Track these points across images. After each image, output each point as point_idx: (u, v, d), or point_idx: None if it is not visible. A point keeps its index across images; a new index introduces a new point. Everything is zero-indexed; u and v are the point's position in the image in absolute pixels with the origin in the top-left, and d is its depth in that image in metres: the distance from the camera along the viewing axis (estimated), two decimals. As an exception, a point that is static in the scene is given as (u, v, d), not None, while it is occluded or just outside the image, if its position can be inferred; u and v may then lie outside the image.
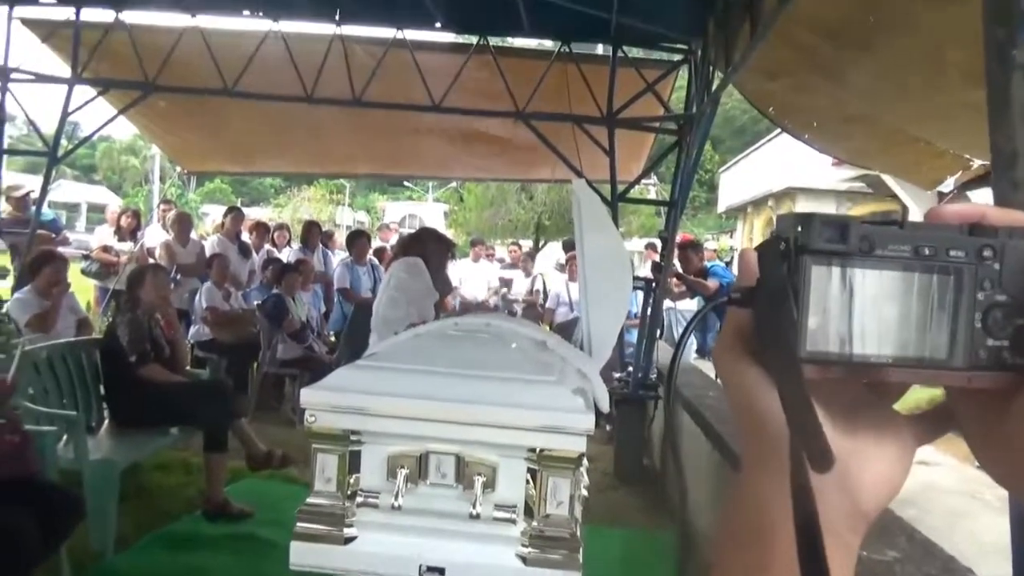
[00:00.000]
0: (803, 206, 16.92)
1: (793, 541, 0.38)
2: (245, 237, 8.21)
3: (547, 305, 8.47)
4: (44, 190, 6.97)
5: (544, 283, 9.34)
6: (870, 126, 4.53)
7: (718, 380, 0.48)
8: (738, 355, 0.44)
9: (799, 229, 0.41)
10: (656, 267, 6.00)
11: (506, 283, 9.45)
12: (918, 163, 5.15)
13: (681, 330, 8.11)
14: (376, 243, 10.49)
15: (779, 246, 0.41)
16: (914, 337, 0.41)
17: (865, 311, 0.40)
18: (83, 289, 7.04)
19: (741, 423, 0.45)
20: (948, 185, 5.66)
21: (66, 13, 6.45)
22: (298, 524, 1.51)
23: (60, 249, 6.14)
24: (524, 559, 1.46)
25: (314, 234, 8.38)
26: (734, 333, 0.45)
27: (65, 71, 6.61)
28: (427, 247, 4.09)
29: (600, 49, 6.98)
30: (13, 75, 6.57)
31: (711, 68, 5.07)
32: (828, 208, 16.50)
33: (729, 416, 3.72)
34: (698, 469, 4.15)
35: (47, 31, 6.52)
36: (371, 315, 4.19)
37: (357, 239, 8.09)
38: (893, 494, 0.45)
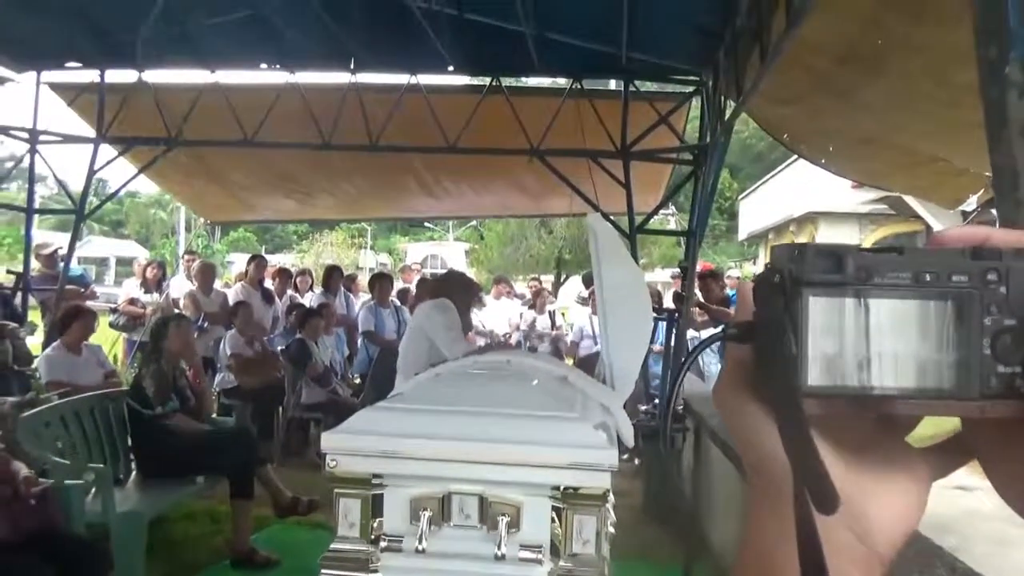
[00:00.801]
0: (824, 230, 16.80)
1: None
2: (268, 284, 8.30)
3: (571, 339, 8.41)
4: (72, 246, 7.14)
5: (563, 317, 9.30)
6: (887, 147, 4.51)
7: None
8: (739, 392, 0.43)
9: (794, 261, 0.39)
10: (678, 297, 5.96)
11: (529, 320, 9.43)
12: (939, 183, 5.10)
13: (706, 359, 8.01)
14: (399, 284, 10.55)
15: (774, 279, 0.40)
16: (920, 367, 0.39)
17: (867, 342, 0.39)
18: (111, 342, 7.14)
19: (746, 462, 0.44)
20: (971, 203, 5.59)
21: (91, 75, 6.67)
22: (323, 571, 1.48)
23: (89, 303, 6.25)
24: (551, 600, 1.42)
25: (335, 278, 8.45)
26: (733, 369, 0.44)
27: (90, 133, 6.81)
28: (453, 289, 4.15)
29: (612, 84, 7.06)
30: (41, 137, 6.78)
31: (723, 97, 5.10)
32: (851, 231, 16.38)
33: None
34: (729, 501, 4.06)
35: (73, 95, 6.74)
36: (396, 357, 4.21)
37: (379, 282, 8.11)
38: (909, 532, 0.43)
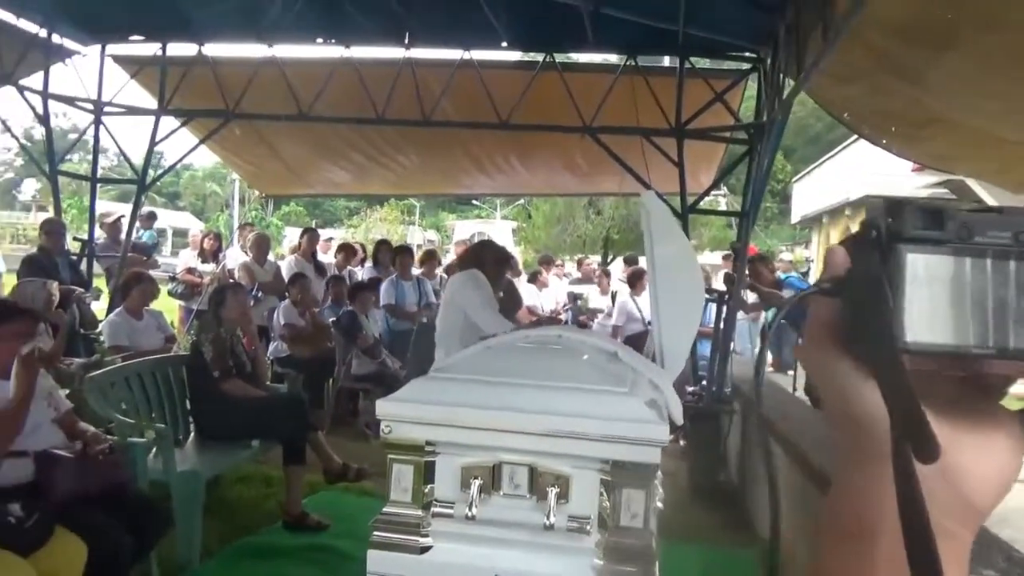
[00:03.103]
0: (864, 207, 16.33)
1: (899, 536, 0.37)
2: (320, 256, 8.43)
3: (613, 322, 8.31)
4: (134, 216, 7.37)
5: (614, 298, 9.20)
6: (953, 128, 4.34)
7: (805, 375, 0.47)
8: (828, 348, 0.43)
9: (892, 216, 0.39)
10: (729, 278, 5.88)
11: (576, 297, 9.37)
12: (1006, 166, 4.90)
13: (745, 342, 7.91)
14: (451, 257, 10.65)
15: (871, 234, 0.40)
16: (1017, 328, 0.39)
17: (963, 301, 0.39)
18: (170, 309, 7.38)
19: (837, 417, 0.44)
20: (1040, 188, 5.36)
21: (153, 48, 6.83)
22: (375, 533, 1.53)
23: (151, 272, 6.45)
24: (598, 571, 1.44)
25: (385, 253, 8.52)
26: (820, 326, 0.44)
27: (152, 104, 7.00)
28: (484, 259, 4.15)
29: (667, 61, 6.94)
30: (106, 108, 6.99)
31: (782, 75, 4.98)
32: (910, 216, 15.86)
33: (808, 429, 3.59)
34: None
35: (136, 67, 6.92)
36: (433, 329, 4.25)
37: (401, 255, 8.04)
38: (1005, 490, 0.43)
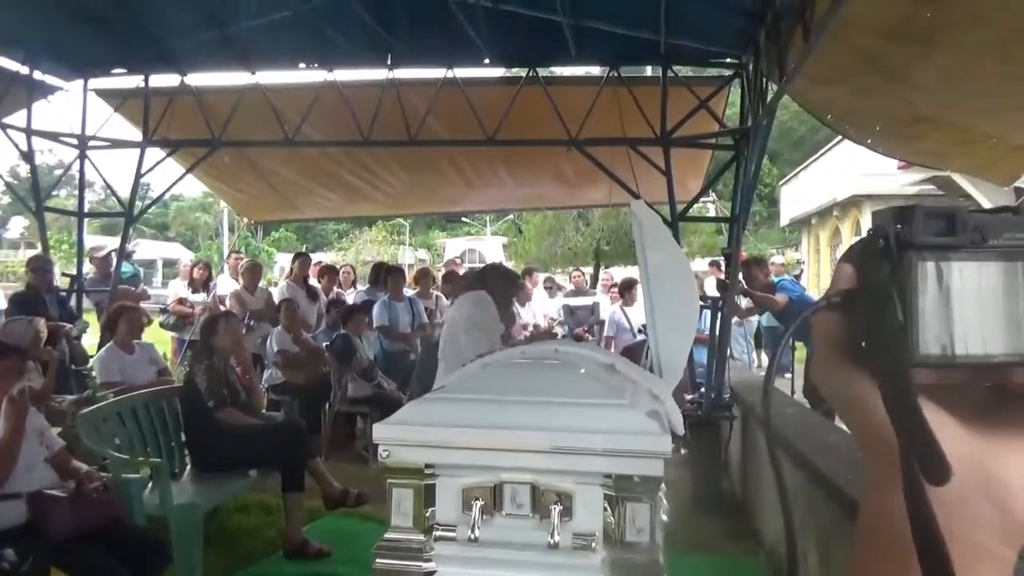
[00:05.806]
0: (870, 214, 16.44)
1: None
2: (313, 281, 8.37)
3: (606, 331, 8.26)
4: (122, 249, 7.33)
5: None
6: (938, 125, 4.37)
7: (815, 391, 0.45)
8: (840, 364, 0.41)
9: (901, 223, 0.37)
10: (722, 285, 5.87)
11: (572, 311, 9.33)
12: (993, 160, 4.93)
13: (740, 347, 7.90)
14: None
15: (879, 243, 0.38)
16: None
17: (982, 308, 0.37)
18: (162, 341, 7.31)
19: (857, 434, 0.42)
20: (1026, 180, 5.40)
21: (136, 80, 6.83)
22: (377, 560, 1.50)
23: (142, 304, 6.39)
24: (606, 589, 1.41)
25: (381, 274, 8.45)
26: (829, 341, 0.42)
27: (137, 137, 6.98)
28: (491, 282, 4.14)
29: (649, 70, 6.98)
30: (90, 142, 6.97)
31: (764, 80, 5.00)
32: (897, 214, 15.97)
33: (810, 433, 3.57)
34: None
35: (119, 100, 6.91)
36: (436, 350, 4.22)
37: (392, 276, 7.89)
38: None
